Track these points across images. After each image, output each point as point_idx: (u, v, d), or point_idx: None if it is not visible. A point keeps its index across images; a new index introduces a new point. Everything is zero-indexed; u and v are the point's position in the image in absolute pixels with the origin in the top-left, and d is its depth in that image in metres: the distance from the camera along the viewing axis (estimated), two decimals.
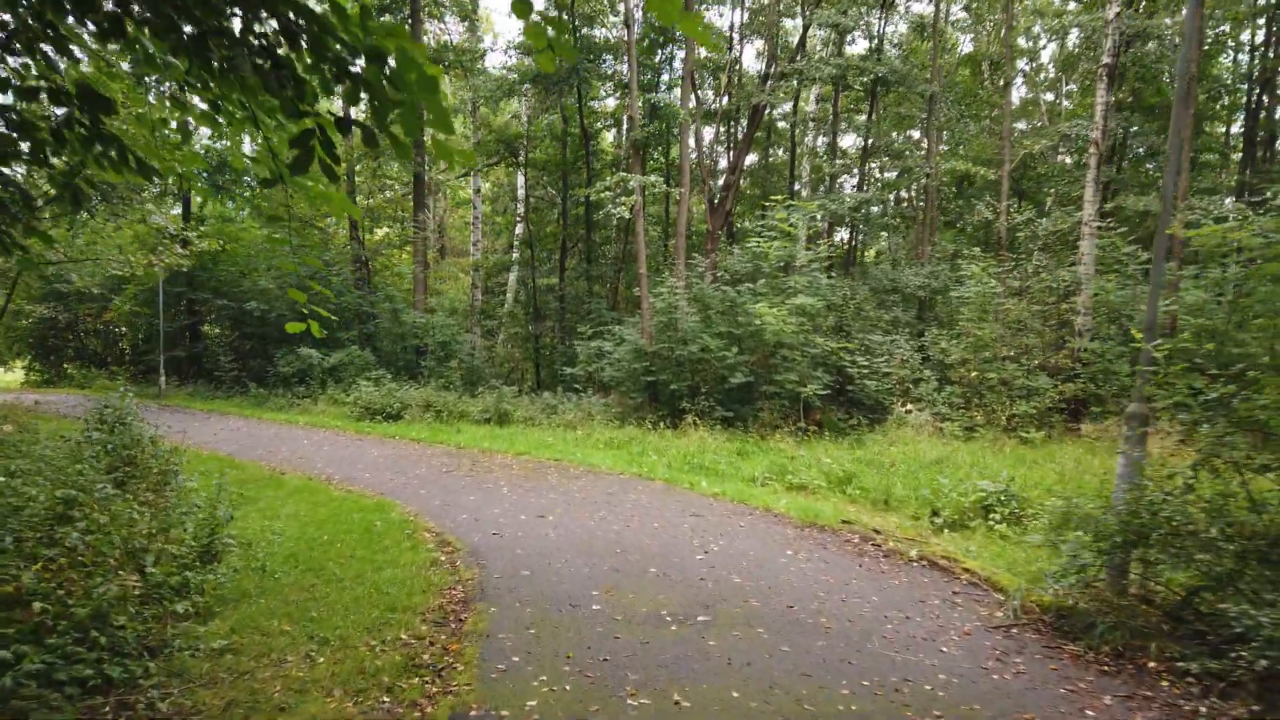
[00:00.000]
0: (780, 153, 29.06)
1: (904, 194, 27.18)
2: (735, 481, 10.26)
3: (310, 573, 6.22)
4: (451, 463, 11.58)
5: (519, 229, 28.08)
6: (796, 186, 25.48)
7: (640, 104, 18.44)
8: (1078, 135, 19.50)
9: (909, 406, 15.88)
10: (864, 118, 24.01)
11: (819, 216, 15.36)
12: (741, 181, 23.71)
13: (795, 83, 20.88)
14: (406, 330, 22.33)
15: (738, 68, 24.20)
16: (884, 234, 24.79)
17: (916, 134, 26.43)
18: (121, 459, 7.31)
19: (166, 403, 21.12)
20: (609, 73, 23.70)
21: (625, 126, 23.67)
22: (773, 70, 20.22)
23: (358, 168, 26.42)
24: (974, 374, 14.99)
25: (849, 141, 29.38)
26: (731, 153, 25.20)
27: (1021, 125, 26.83)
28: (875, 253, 27.42)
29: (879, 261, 21.58)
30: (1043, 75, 27.67)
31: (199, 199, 27.41)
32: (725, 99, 23.47)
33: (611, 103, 26.46)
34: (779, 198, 16.21)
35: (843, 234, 24.28)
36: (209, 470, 9.71)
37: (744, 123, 25.85)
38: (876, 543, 7.44)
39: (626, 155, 19.49)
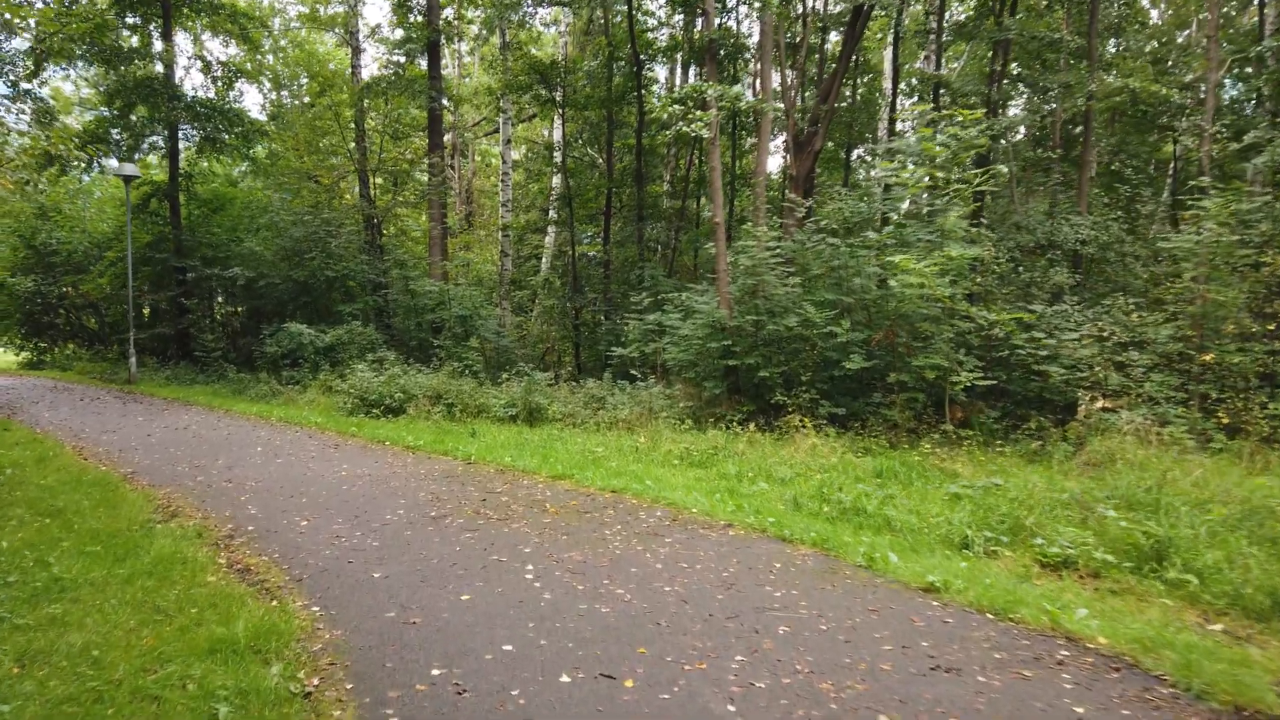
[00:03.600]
0: (860, 88, 24.22)
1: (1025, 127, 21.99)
2: (932, 545, 5.91)
3: None
4: (451, 495, 7.43)
5: (555, 181, 23.81)
6: (899, 126, 20.76)
7: None
8: None
9: (1102, 402, 11.33)
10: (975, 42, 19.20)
11: (958, 139, 10.89)
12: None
13: None
14: (419, 302, 18.28)
15: None
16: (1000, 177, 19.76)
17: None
18: None
19: (133, 389, 17.40)
20: None
21: (699, 26, 19.25)
22: None
23: (370, 116, 22.41)
24: (1208, 356, 10.41)
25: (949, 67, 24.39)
26: (820, 75, 20.58)
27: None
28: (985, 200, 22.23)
29: (1000, 209, 16.92)
30: None
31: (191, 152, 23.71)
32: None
33: (664, 36, 21.92)
34: (919, 105, 11.67)
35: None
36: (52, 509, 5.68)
37: (830, 47, 21.20)
38: None
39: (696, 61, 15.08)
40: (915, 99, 22.92)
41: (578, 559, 5.31)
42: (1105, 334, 11.51)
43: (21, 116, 17.34)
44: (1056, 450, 9.75)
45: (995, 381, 11.01)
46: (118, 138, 22.84)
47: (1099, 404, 11.50)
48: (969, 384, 10.41)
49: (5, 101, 16.62)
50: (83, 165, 21.36)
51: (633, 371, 13.54)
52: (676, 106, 11.79)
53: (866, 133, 23.24)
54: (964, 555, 5.74)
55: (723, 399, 12.71)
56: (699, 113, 11.53)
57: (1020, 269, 14.78)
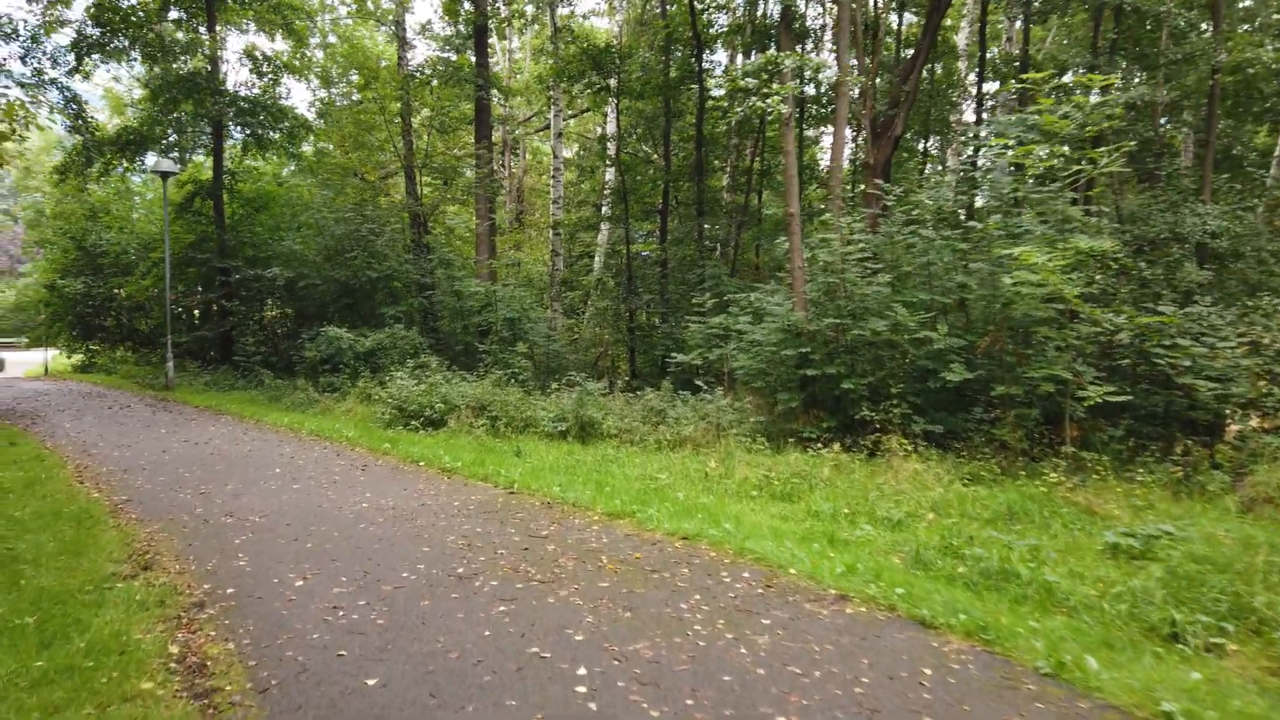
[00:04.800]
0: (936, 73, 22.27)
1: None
2: (1129, 635, 4.32)
3: None
4: (486, 539, 6.09)
5: (608, 176, 22.47)
6: (983, 109, 18.86)
7: None
8: None
9: (1257, 421, 9.47)
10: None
11: (1082, 111, 9.14)
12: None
13: None
14: (465, 304, 17.12)
15: None
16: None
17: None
18: None
19: (167, 396, 16.62)
20: None
21: (761, 9, 17.69)
22: None
23: (416, 111, 21.38)
24: None
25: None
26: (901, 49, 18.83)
27: None
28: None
29: (1102, 198, 14.91)
30: None
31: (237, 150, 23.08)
32: None
33: (723, 20, 20.36)
34: (1034, 74, 9.96)
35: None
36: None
37: (905, 28, 19.43)
38: None
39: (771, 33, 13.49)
40: (999, 83, 20.95)
41: (647, 655, 3.88)
42: (1263, 341, 9.64)
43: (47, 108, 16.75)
44: (1209, 480, 8.00)
45: (1129, 396, 9.25)
46: (172, 138, 22.40)
47: (1252, 422, 9.64)
48: (1098, 399, 8.68)
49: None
50: (123, 165, 20.78)
51: (697, 381, 12.09)
52: (749, 80, 10.29)
53: (943, 119, 21.33)
54: (1176, 651, 4.15)
55: (798, 413, 11.18)
56: (775, 86, 10.01)
57: (1141, 265, 12.86)
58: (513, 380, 13.94)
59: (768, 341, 11.24)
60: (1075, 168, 9.81)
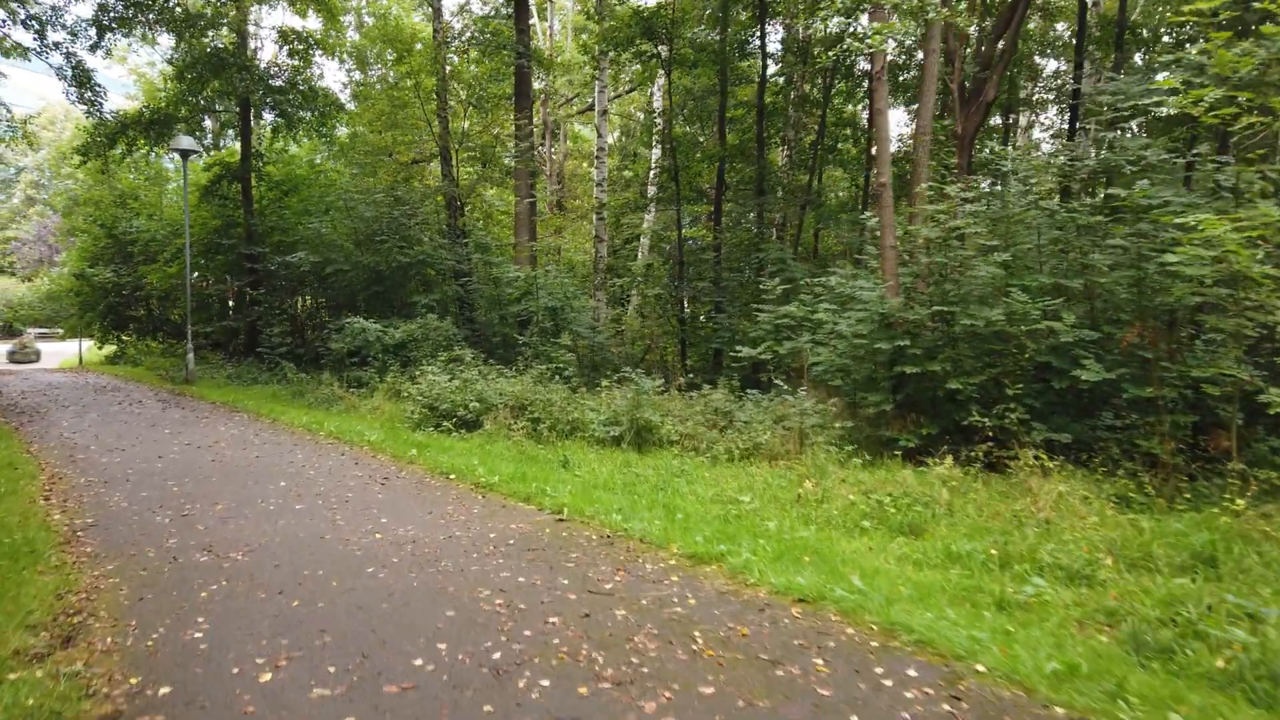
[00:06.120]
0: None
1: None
2: None
3: None
4: (531, 596, 4.54)
5: (654, 154, 20.83)
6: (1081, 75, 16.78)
7: None
8: None
9: None
10: None
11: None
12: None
13: None
14: (503, 292, 15.65)
15: None
16: None
17: None
18: None
19: (184, 391, 15.44)
20: None
21: None
22: None
23: (453, 88, 19.92)
24: None
25: None
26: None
27: None
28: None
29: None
30: None
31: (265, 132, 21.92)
32: None
33: None
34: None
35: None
36: None
37: None
38: None
39: None
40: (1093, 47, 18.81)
41: None
42: None
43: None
44: None
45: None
46: (203, 122, 21.35)
47: None
48: None
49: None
50: (147, 146, 19.71)
51: (773, 379, 10.45)
52: (837, 20, 8.57)
53: (1028, 88, 19.28)
54: None
55: (890, 418, 9.48)
56: (873, 24, 8.29)
57: None
58: (556, 376, 12.42)
59: (856, 333, 9.55)
60: (1250, 119, 7.92)
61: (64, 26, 15.86)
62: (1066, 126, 16.23)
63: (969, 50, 15.08)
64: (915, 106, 14.42)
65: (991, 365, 8.94)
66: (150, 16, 18.35)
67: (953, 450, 8.13)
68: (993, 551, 5.56)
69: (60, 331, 35.87)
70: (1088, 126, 13.62)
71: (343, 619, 4.11)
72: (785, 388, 9.60)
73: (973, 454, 7.93)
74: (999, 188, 11.01)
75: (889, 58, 10.82)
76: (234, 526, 5.95)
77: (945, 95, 14.78)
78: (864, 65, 18.17)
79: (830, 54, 12.50)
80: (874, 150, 19.97)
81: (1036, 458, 7.29)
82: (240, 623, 4.06)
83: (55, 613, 4.14)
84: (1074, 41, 18.55)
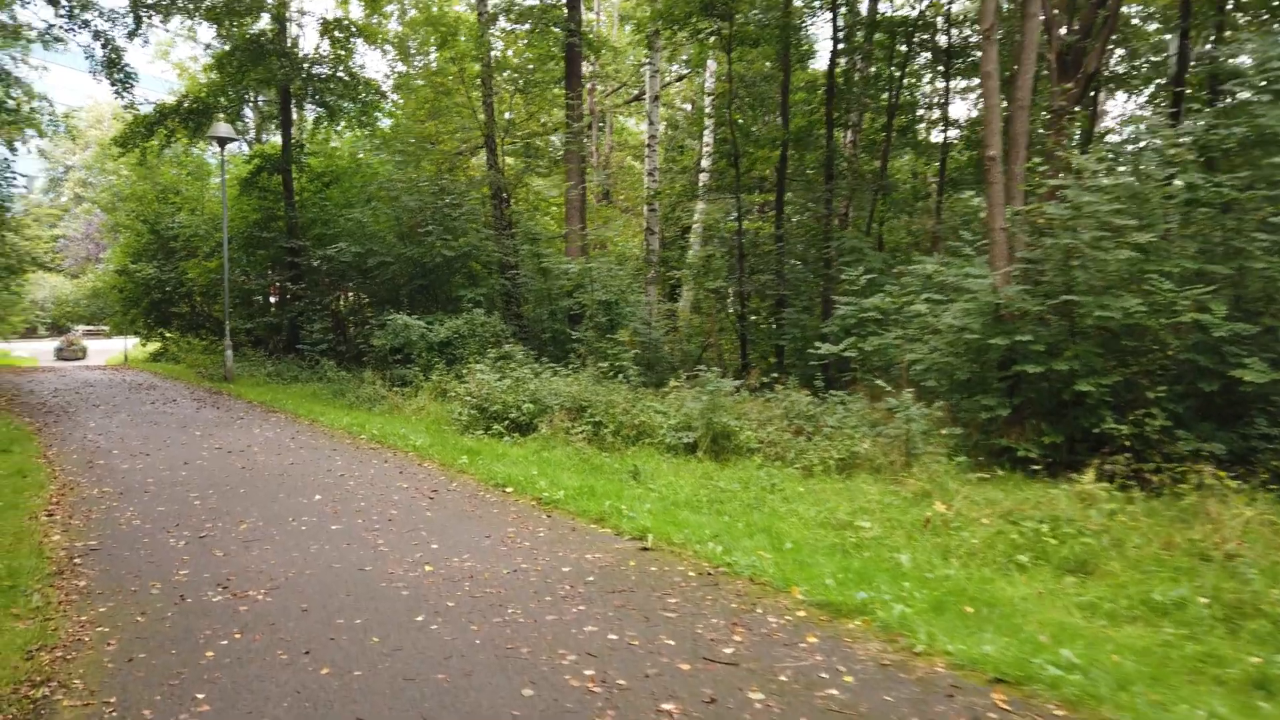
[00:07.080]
0: None
1: None
2: None
3: None
4: (628, 661, 3.48)
5: (707, 139, 19.66)
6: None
7: None
8: None
9: None
10: None
11: None
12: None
13: None
14: (553, 285, 14.65)
15: None
16: None
17: None
18: None
19: (222, 389, 14.72)
20: None
21: None
22: None
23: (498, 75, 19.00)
24: None
25: None
26: None
27: None
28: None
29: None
30: None
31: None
32: None
33: None
34: None
35: None
36: None
37: None
38: None
39: None
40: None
41: None
42: None
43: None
44: None
45: None
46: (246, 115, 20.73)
47: None
48: None
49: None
50: (186, 138, 19.15)
51: (859, 378, 9.26)
52: None
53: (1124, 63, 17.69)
54: None
55: (1004, 424, 8.23)
56: None
57: None
58: (614, 374, 11.36)
59: (969, 327, 8.30)
60: None
61: (96, 7, 15.24)
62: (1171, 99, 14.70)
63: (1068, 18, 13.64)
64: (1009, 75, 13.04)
65: (1124, 364, 7.68)
66: (189, 3, 17.76)
67: (1081, 462, 6.91)
68: (1201, 599, 4.34)
69: (106, 329, 35.88)
70: (1230, 93, 12.08)
71: (386, 698, 3.07)
72: (888, 388, 8.39)
73: (1111, 467, 6.69)
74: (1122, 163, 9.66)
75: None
76: (258, 553, 4.98)
77: (1041, 66, 13.40)
78: (941, 40, 16.81)
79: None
80: (947, 133, 18.63)
81: (1215, 475, 6.01)
82: (251, 702, 3.04)
83: (16, 681, 3.17)
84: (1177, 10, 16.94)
